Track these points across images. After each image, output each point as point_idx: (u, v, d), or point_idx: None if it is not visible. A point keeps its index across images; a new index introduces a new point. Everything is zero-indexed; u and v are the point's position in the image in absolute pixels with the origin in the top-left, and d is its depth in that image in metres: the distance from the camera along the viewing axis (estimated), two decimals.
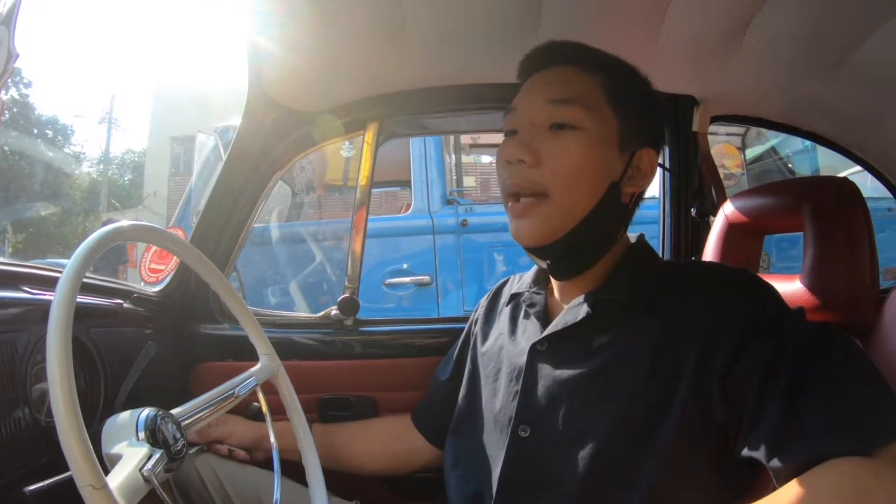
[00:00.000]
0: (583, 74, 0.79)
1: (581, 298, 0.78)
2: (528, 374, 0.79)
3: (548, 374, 0.77)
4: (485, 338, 0.96)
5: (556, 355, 0.78)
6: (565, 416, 0.73)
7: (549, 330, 0.80)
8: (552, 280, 0.86)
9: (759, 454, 0.60)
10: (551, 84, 0.79)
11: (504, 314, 0.95)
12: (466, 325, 1.06)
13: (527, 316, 0.89)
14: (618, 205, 0.79)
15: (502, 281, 1.05)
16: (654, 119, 0.83)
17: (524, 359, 0.80)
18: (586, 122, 0.76)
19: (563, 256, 0.79)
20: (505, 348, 0.89)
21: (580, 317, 0.76)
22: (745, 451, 0.62)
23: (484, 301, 1.04)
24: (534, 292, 0.89)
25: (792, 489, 0.55)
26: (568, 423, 0.73)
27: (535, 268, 0.93)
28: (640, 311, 0.73)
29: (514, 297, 0.94)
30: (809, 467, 0.56)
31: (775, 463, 0.59)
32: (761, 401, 0.62)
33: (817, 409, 0.58)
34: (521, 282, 0.96)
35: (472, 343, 1.00)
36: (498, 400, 0.84)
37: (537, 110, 0.77)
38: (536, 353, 0.80)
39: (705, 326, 0.67)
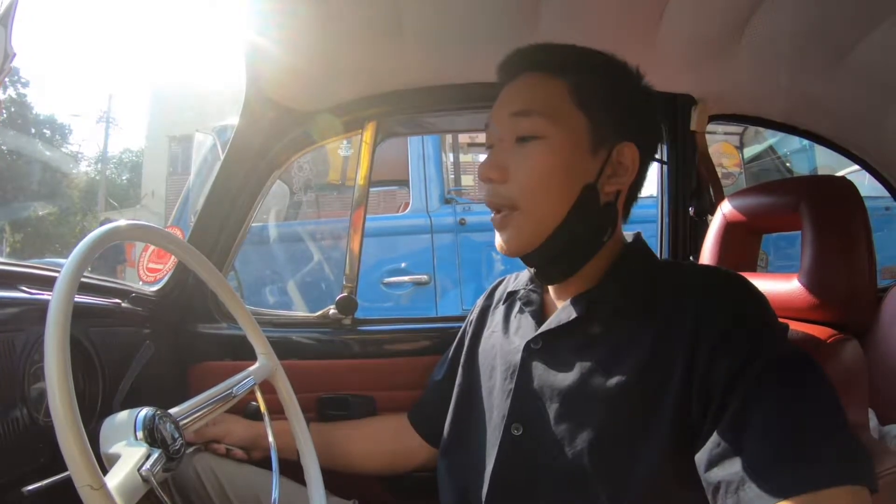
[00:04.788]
0: (548, 80, 0.77)
1: (576, 298, 0.78)
2: (522, 373, 0.79)
3: (542, 372, 0.77)
4: (479, 337, 0.96)
5: (551, 354, 0.78)
6: (558, 415, 0.73)
7: (544, 328, 0.80)
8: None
9: (699, 463, 0.62)
10: (514, 96, 0.79)
11: (498, 312, 0.95)
12: (462, 326, 1.06)
13: (521, 312, 0.89)
14: (596, 207, 0.76)
15: (498, 280, 1.04)
16: (637, 111, 0.80)
17: (518, 357, 0.80)
18: (548, 130, 0.75)
19: (545, 263, 0.80)
20: (498, 345, 0.88)
21: (573, 316, 0.76)
22: (696, 458, 0.63)
23: (480, 301, 1.04)
24: (531, 290, 0.89)
25: None
26: (560, 423, 0.73)
27: None
28: (634, 313, 0.73)
29: (511, 296, 0.94)
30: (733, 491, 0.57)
31: (709, 477, 0.60)
32: (717, 412, 0.62)
33: (759, 436, 0.58)
34: (517, 280, 0.96)
35: (466, 343, 0.99)
36: (492, 398, 0.84)
37: (503, 125, 0.78)
38: (531, 351, 0.80)
39: (692, 330, 0.66)
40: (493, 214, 0.79)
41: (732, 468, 0.58)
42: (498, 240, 0.79)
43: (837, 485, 0.53)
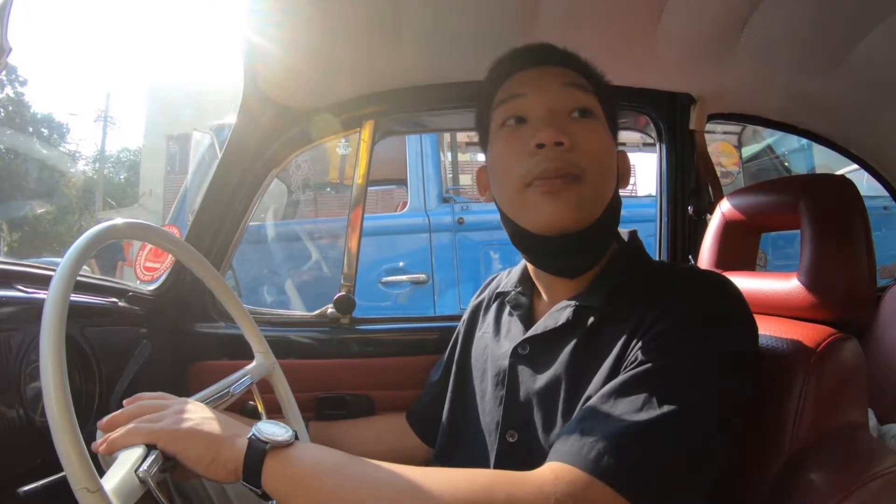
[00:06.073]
0: (583, 78, 0.79)
1: (564, 303, 0.77)
2: (511, 379, 0.79)
3: (528, 378, 0.77)
4: (471, 337, 0.96)
5: (537, 360, 0.77)
6: (545, 421, 0.73)
7: (530, 333, 0.79)
8: (538, 282, 0.85)
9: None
10: (559, 74, 0.78)
11: (490, 313, 0.95)
12: (458, 325, 1.05)
13: (511, 315, 0.88)
14: (619, 198, 0.80)
15: (490, 278, 1.04)
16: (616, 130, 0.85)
17: (507, 362, 0.80)
18: (598, 112, 0.77)
19: (583, 248, 0.76)
20: (489, 348, 0.88)
21: (560, 322, 0.76)
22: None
23: (473, 300, 1.03)
24: (519, 293, 0.88)
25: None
26: (549, 428, 0.72)
27: (520, 266, 0.92)
28: (618, 319, 0.71)
29: (500, 296, 0.94)
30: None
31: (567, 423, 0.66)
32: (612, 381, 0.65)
33: (612, 415, 0.60)
34: (507, 280, 0.95)
35: (459, 344, 0.99)
36: (485, 403, 0.84)
37: (556, 95, 0.75)
38: (518, 356, 0.79)
39: (650, 323, 0.66)
40: (536, 182, 0.72)
41: (585, 421, 0.62)
42: (554, 208, 0.71)
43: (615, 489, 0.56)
